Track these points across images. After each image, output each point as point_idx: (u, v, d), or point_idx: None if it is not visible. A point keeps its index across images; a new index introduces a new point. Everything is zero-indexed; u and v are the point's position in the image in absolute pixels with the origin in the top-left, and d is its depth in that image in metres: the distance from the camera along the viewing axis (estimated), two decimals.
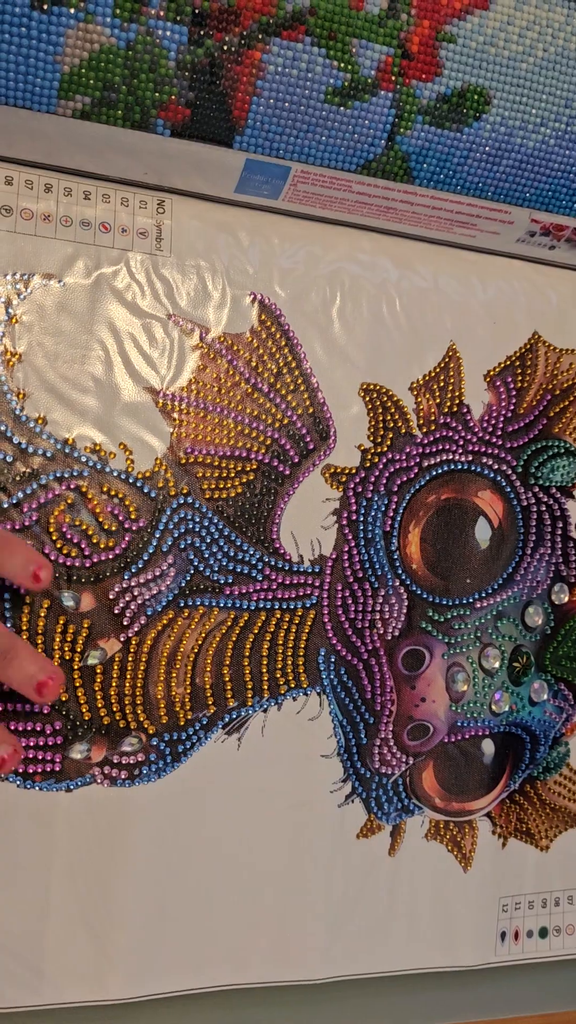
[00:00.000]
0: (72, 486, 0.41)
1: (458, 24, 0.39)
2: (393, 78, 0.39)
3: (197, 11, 0.36)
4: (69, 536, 0.40)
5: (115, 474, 0.41)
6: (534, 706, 0.49)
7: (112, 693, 0.41)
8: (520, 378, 0.49)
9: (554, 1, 0.40)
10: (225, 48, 0.37)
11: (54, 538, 0.40)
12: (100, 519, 0.41)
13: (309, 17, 0.37)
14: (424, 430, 0.47)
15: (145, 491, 0.42)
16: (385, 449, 0.46)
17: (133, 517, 0.41)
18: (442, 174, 0.42)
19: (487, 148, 0.42)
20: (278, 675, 0.44)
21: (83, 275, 0.41)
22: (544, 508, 0.49)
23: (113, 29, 0.36)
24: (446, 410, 0.47)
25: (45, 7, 0.35)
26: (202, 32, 0.37)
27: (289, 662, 0.44)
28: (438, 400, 0.47)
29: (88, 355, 0.41)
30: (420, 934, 0.47)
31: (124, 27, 0.36)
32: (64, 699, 0.41)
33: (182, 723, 0.42)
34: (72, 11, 0.35)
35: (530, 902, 0.50)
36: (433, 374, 0.47)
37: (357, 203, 0.44)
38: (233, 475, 0.43)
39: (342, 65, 0.39)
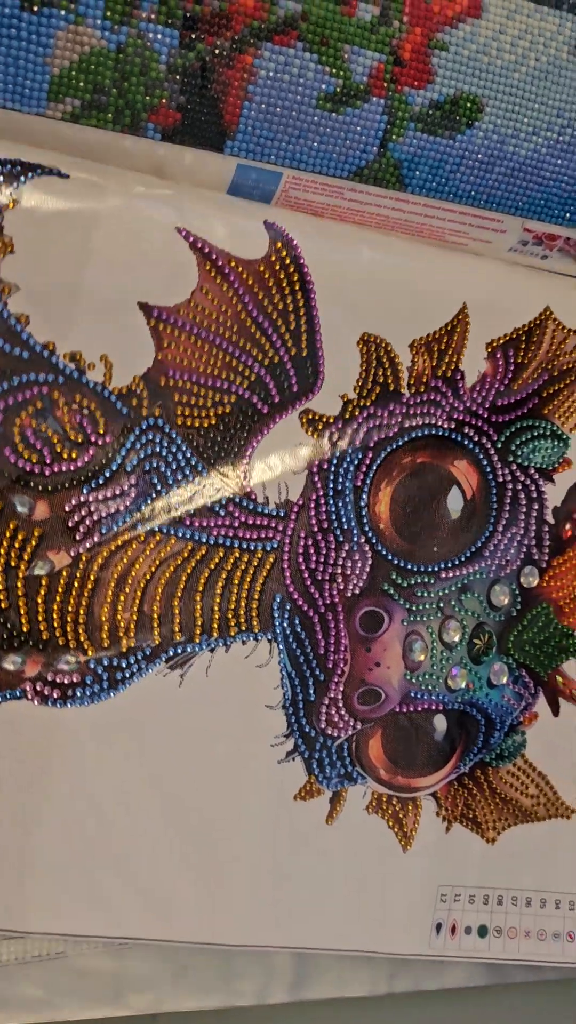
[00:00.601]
0: (43, 391, 0.40)
1: (450, 32, 0.40)
2: (385, 84, 0.40)
3: (188, 14, 0.36)
4: (32, 441, 0.40)
5: (90, 385, 0.40)
6: (492, 688, 0.48)
7: (55, 608, 0.40)
8: (523, 353, 0.48)
9: (546, 10, 0.40)
10: (216, 52, 0.37)
11: (16, 441, 0.39)
12: (67, 428, 0.40)
13: (301, 22, 0.38)
14: (412, 390, 0.46)
15: (117, 407, 0.41)
16: (369, 403, 0.45)
17: (101, 432, 0.41)
18: (434, 182, 0.42)
19: (479, 156, 0.42)
20: (230, 615, 0.43)
21: (89, 172, 0.39)
22: (520, 487, 0.48)
23: (104, 31, 0.36)
24: (440, 373, 0.46)
25: (35, 8, 0.35)
26: (193, 36, 0.37)
27: (243, 604, 0.43)
28: (434, 362, 0.46)
29: (84, 258, 0.39)
30: (356, 913, 0.45)
31: (115, 29, 0.36)
32: (4, 607, 0.39)
33: (124, 649, 0.41)
34: (62, 12, 0.35)
35: (471, 896, 0.47)
36: (437, 335, 0.46)
37: (349, 210, 0.43)
38: (210, 404, 0.42)
39: (334, 71, 0.39)
